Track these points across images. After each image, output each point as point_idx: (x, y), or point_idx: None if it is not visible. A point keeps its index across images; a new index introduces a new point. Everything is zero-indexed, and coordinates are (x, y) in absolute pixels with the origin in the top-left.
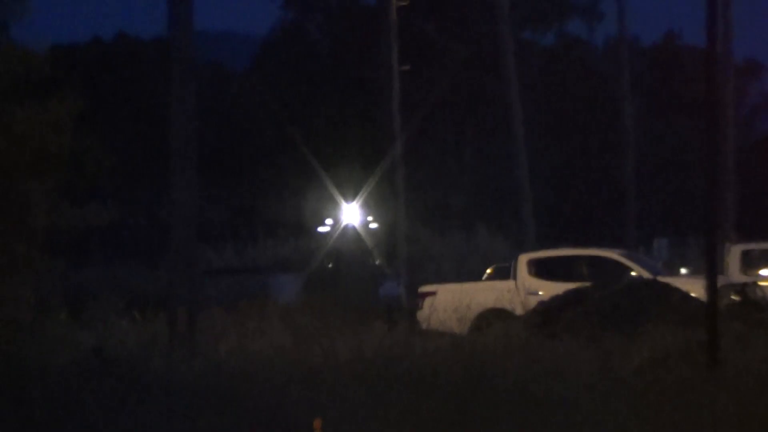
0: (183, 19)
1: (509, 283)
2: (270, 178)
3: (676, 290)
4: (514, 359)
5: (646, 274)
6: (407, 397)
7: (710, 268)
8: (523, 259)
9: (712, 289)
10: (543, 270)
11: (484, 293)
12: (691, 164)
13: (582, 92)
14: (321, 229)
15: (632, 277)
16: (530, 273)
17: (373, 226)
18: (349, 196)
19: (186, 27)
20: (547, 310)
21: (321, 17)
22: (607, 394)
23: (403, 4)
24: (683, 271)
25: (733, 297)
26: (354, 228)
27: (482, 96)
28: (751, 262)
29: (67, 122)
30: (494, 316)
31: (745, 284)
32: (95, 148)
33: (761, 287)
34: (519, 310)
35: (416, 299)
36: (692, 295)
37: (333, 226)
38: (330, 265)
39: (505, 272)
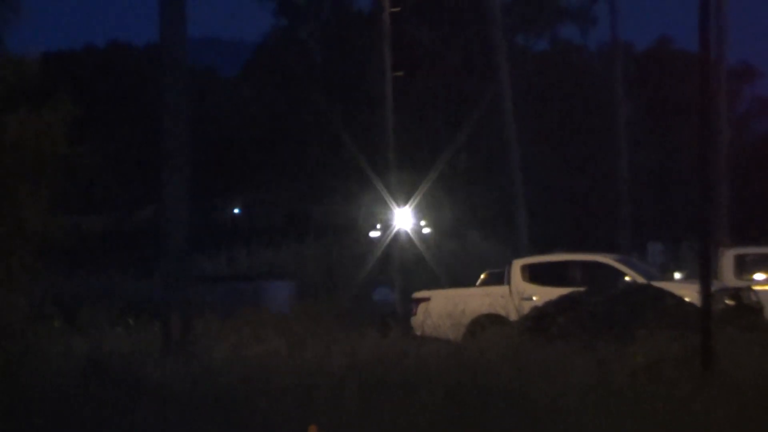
0: (175, 27)
1: (503, 289)
2: (318, 182)
3: (671, 295)
4: (508, 365)
5: (641, 279)
6: (401, 403)
7: (704, 272)
8: (517, 265)
9: (706, 293)
10: (537, 275)
11: (478, 299)
12: (685, 168)
13: (575, 97)
14: (372, 233)
15: (626, 282)
16: (524, 278)
17: (427, 231)
18: (401, 201)
19: (178, 35)
20: (542, 315)
21: (314, 23)
22: (602, 399)
23: (396, 10)
24: (677, 275)
25: (727, 301)
26: (407, 233)
27: (476, 101)
28: (745, 267)
29: (60, 129)
30: (488, 321)
31: (739, 289)
32: (89, 155)
33: (755, 291)
34: (513, 316)
35: (410, 305)
36: (686, 299)
37: (384, 231)
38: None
39: (499, 277)
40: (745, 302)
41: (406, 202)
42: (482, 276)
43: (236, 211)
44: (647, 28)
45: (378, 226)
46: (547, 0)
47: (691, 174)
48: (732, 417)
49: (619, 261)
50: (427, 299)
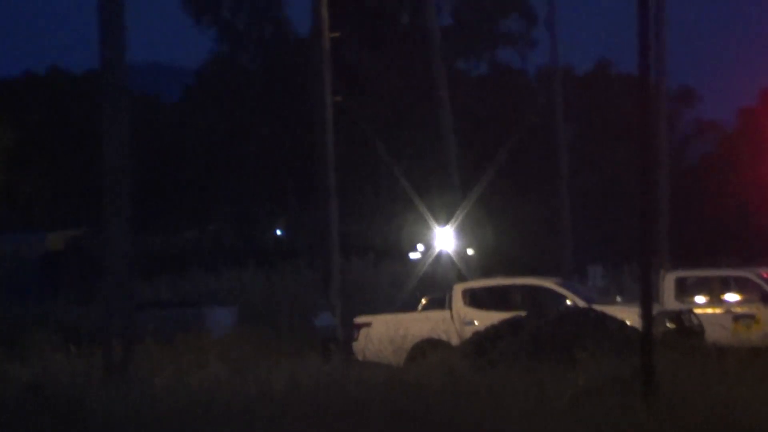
0: (115, 52)
1: (444, 313)
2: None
3: (612, 318)
4: (449, 390)
5: (581, 303)
6: (342, 429)
7: (645, 295)
8: (458, 289)
9: (647, 317)
10: (478, 299)
11: (419, 324)
12: (625, 191)
13: (516, 120)
14: (412, 255)
15: (567, 305)
16: (465, 303)
17: (470, 252)
18: (441, 221)
19: (118, 60)
20: (483, 340)
21: (254, 48)
22: (543, 424)
23: (336, 35)
24: (618, 298)
25: (668, 324)
26: (448, 254)
27: (416, 125)
28: (685, 289)
29: None
30: (430, 346)
31: (680, 312)
32: (28, 180)
33: (696, 314)
34: (454, 341)
35: (351, 330)
36: (627, 323)
37: (425, 252)
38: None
39: (440, 302)
40: (686, 325)
41: (446, 223)
42: (423, 301)
43: (278, 232)
44: (587, 52)
45: (420, 246)
46: (486, 24)
47: (632, 197)
48: None
49: (560, 285)
50: (368, 324)
